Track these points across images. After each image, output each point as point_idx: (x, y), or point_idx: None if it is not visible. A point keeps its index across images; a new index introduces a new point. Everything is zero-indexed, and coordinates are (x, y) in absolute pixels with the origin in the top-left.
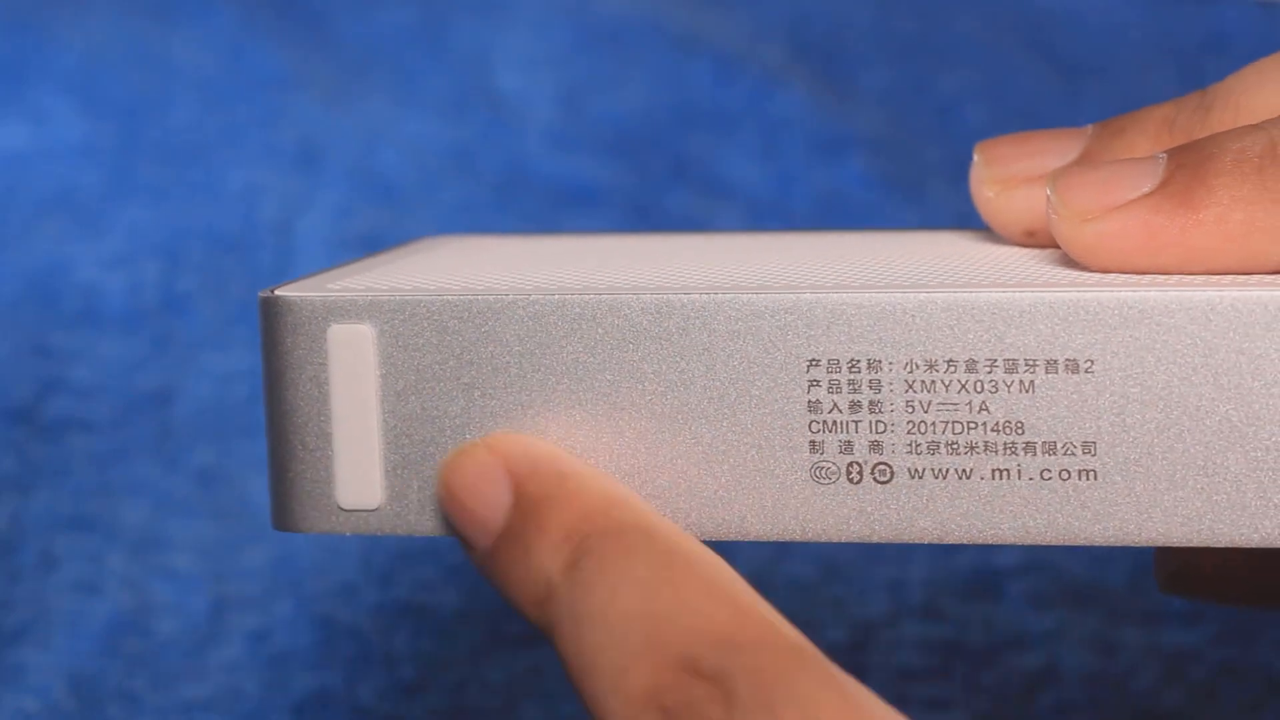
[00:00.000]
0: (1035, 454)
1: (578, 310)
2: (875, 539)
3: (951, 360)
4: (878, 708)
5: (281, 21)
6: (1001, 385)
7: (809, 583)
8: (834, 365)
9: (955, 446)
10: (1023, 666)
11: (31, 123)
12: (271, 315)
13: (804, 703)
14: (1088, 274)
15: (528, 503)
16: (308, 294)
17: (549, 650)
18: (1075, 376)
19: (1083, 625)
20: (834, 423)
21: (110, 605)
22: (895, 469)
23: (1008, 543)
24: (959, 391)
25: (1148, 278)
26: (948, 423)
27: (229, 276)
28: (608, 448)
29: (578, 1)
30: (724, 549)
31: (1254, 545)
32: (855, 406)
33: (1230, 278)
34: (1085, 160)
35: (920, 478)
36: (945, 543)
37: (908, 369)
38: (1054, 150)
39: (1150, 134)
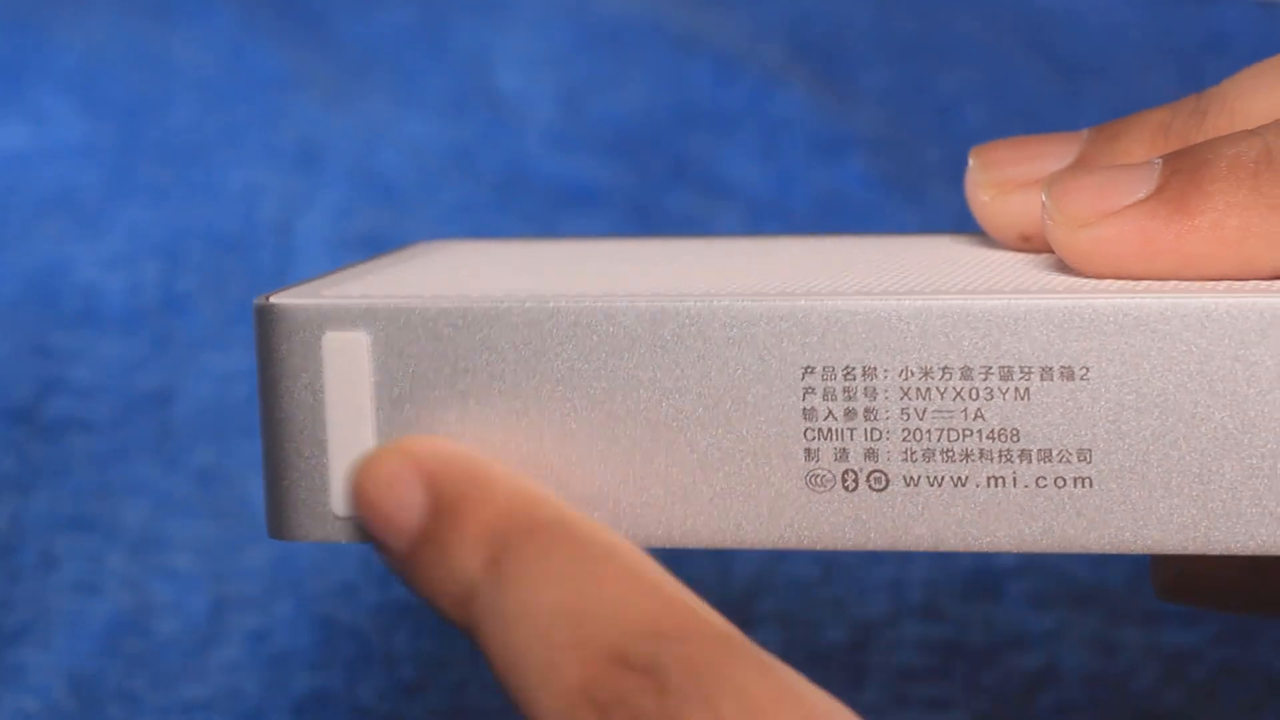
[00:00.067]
0: (1030, 461)
1: (572, 317)
2: (871, 547)
3: (946, 367)
4: (809, 691)
5: (281, 21)
6: (996, 392)
7: (809, 583)
8: (829, 372)
9: (950, 454)
10: (1023, 666)
11: (31, 123)
12: (266, 322)
13: (739, 691)
14: (1083, 280)
15: (444, 503)
16: (302, 301)
17: None
18: (1070, 383)
19: (1083, 625)
20: (829, 430)
21: (110, 605)
22: (890, 476)
23: (1003, 550)
24: (954, 399)
25: (1143, 284)
26: (943, 430)
27: (229, 276)
28: (603, 455)
29: (578, 1)
30: (721, 552)
31: (1250, 552)
32: (850, 414)
33: (1226, 284)
34: (1081, 165)
35: (915, 485)
36: (940, 550)
37: (903, 376)
38: (1049, 155)
39: (1146, 139)
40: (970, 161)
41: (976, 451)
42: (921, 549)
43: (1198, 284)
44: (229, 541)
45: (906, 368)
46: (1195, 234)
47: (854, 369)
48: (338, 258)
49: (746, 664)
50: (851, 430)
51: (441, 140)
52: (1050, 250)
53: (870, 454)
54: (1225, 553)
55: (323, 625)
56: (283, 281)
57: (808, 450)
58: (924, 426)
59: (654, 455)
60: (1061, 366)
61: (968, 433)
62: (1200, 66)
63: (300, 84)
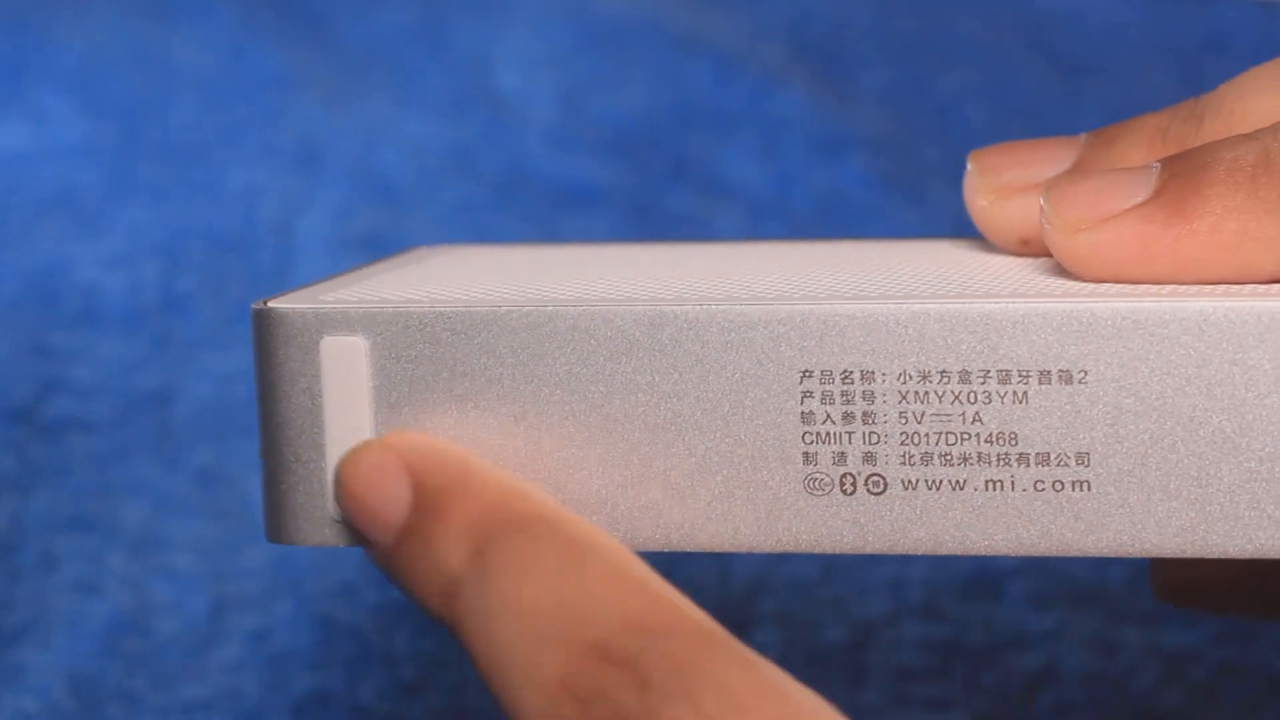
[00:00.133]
0: (1028, 465)
1: (570, 321)
2: (869, 550)
3: (945, 371)
4: (794, 689)
5: (281, 21)
6: (995, 396)
7: (809, 583)
8: (827, 376)
9: (948, 457)
10: (1023, 666)
11: (31, 123)
12: (264, 327)
13: (721, 686)
14: (1081, 284)
15: (429, 497)
16: (300, 306)
17: None
18: (1068, 387)
19: (1083, 625)
20: (827, 434)
21: (110, 605)
22: (889, 480)
23: (1001, 554)
24: (952, 402)
25: (1141, 288)
26: (941, 434)
27: (229, 276)
28: (601, 459)
29: (578, 1)
30: (720, 555)
31: (1247, 556)
32: (849, 418)
33: (1223, 288)
34: (1079, 169)
35: (914, 489)
36: (938, 554)
37: (901, 380)
38: (1048, 159)
39: (1143, 143)
40: (968, 166)
41: (975, 455)
42: (919, 552)
43: (1196, 288)
44: (229, 541)
45: (905, 371)
46: (1193, 238)
47: (852, 373)
48: (338, 258)
49: (729, 660)
50: (850, 434)
51: (441, 140)
52: (1049, 254)
53: (868, 458)
54: (1223, 556)
55: (323, 625)
56: (283, 282)
57: (806, 454)
58: (922, 430)
59: (652, 459)
60: (1060, 370)
61: (966, 436)
62: (1200, 66)
63: (300, 84)
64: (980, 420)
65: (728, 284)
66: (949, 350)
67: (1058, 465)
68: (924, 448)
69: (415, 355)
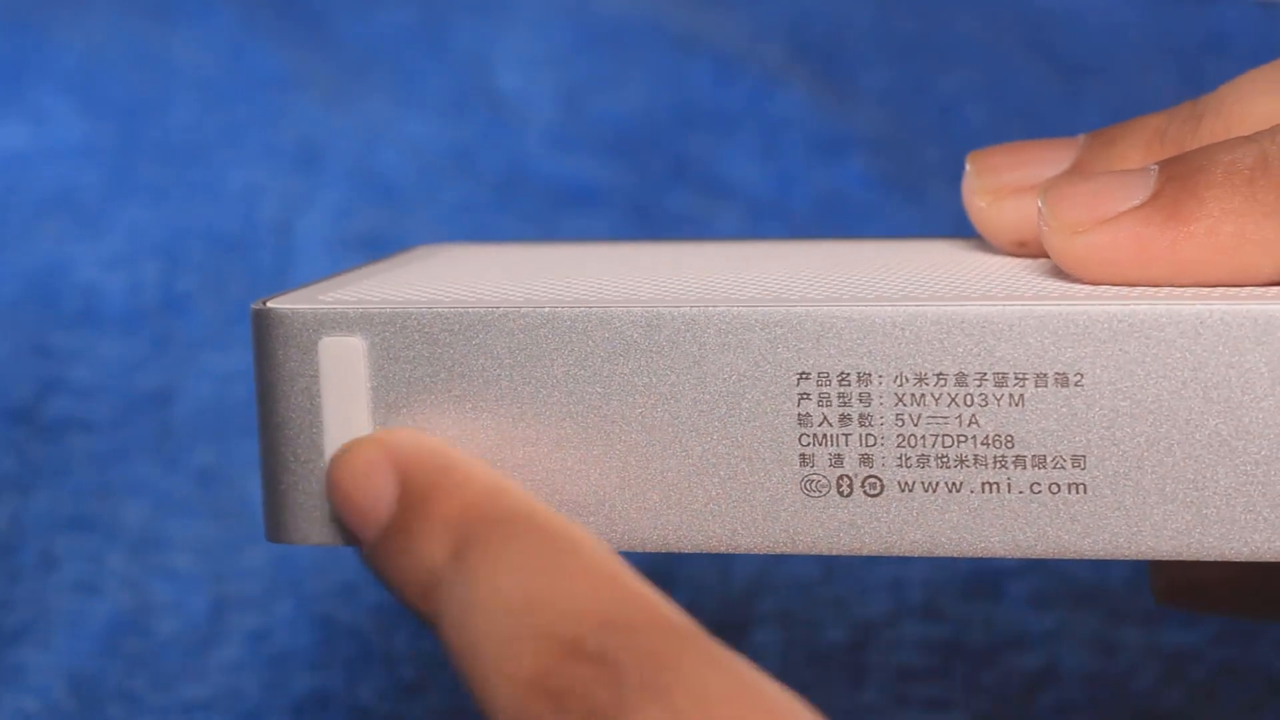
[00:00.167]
0: (1025, 467)
1: (568, 323)
2: (865, 552)
3: (941, 373)
4: (767, 685)
5: (281, 21)
6: (991, 398)
7: (809, 583)
8: (824, 378)
9: (945, 460)
10: (1023, 666)
11: (31, 123)
12: (263, 327)
13: (693, 682)
14: (1078, 286)
15: (412, 494)
16: (299, 306)
17: None
18: (1065, 390)
19: (1083, 625)
20: (824, 435)
21: (110, 605)
22: (885, 482)
23: (997, 556)
24: (949, 405)
25: (1138, 290)
26: (937, 436)
27: (229, 276)
28: (598, 460)
29: (578, 1)
30: (719, 555)
31: (1244, 558)
32: (845, 419)
33: (1220, 290)
34: (1077, 171)
35: (910, 491)
36: (935, 555)
37: (897, 382)
38: (1046, 160)
39: (1142, 144)
40: (967, 167)
41: (971, 457)
42: (915, 554)
43: (1192, 290)
44: (229, 541)
45: (901, 374)
46: (1190, 240)
47: (849, 375)
48: (338, 258)
49: (701, 657)
50: (846, 436)
51: (441, 140)
52: (1046, 256)
53: (865, 459)
54: (1219, 559)
55: (323, 625)
56: (283, 282)
57: (803, 456)
58: (919, 432)
59: (649, 460)
60: (1056, 373)
61: (962, 439)
62: (1200, 66)
63: (300, 84)
64: (977, 422)
65: (725, 285)
66: (945, 352)
67: (1054, 468)
68: (920, 450)
69: (413, 356)
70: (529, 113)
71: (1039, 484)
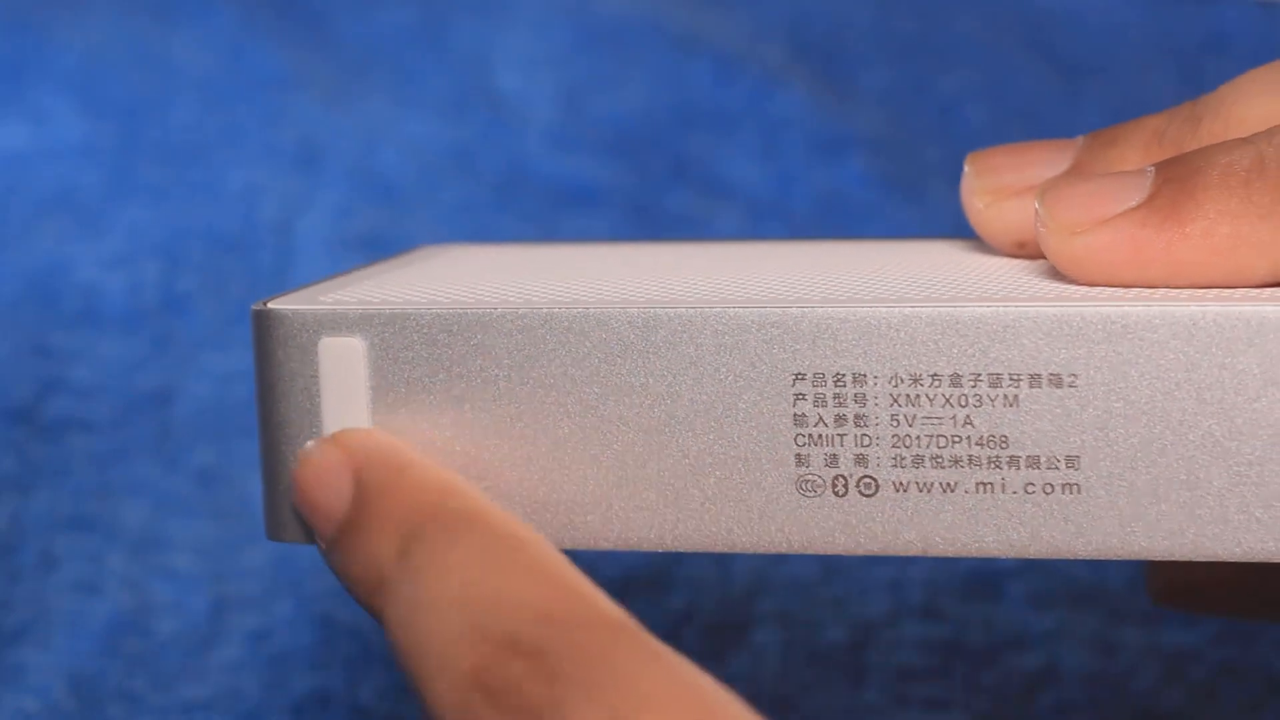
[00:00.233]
0: (1019, 468)
1: (566, 323)
2: (860, 552)
3: (936, 374)
4: (703, 681)
5: (281, 21)
6: (986, 399)
7: (809, 582)
8: (820, 379)
9: (940, 460)
10: (1023, 666)
11: (31, 123)
12: (263, 328)
13: (627, 678)
14: (1073, 288)
15: (366, 493)
16: (299, 307)
17: None
18: (1059, 391)
19: (1083, 625)
20: (819, 436)
21: (110, 605)
22: (880, 482)
23: (991, 556)
24: (943, 405)
25: (1132, 292)
26: (932, 436)
27: (229, 276)
28: (596, 460)
29: (578, 1)
30: (718, 555)
31: (1237, 559)
32: (841, 420)
33: (1215, 292)
34: (1075, 172)
35: (905, 491)
36: (930, 555)
37: (893, 383)
38: (1045, 161)
39: (1140, 145)
40: (966, 168)
41: (965, 458)
42: (910, 554)
43: (1186, 292)
44: (229, 541)
45: (896, 374)
46: (1186, 242)
47: (844, 376)
48: (338, 258)
49: (637, 653)
50: (842, 436)
51: (441, 140)
52: (1044, 256)
53: (860, 460)
54: (1213, 559)
55: (323, 625)
56: (283, 282)
57: (798, 456)
58: (913, 433)
59: (646, 460)
60: (1050, 374)
61: (957, 439)
62: (1200, 66)
63: (300, 84)
64: (971, 423)
65: (723, 285)
66: (940, 353)
67: (1048, 468)
68: (915, 450)
69: (412, 356)
70: (529, 113)
71: (1033, 484)
